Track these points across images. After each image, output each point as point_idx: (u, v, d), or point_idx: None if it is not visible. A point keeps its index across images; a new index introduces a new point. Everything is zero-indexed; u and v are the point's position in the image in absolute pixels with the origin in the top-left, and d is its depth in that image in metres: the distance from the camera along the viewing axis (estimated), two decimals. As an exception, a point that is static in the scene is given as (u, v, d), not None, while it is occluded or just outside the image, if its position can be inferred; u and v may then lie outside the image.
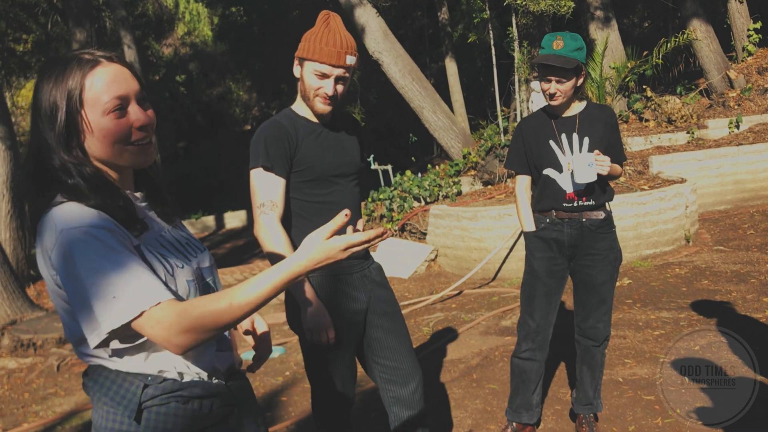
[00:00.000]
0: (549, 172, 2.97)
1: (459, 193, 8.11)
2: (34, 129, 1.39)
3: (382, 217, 8.46)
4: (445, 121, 9.10)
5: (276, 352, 5.13)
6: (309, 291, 2.27)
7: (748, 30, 10.78)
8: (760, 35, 10.71)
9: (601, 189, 2.95)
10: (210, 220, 15.48)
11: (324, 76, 2.29)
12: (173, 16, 23.27)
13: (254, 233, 2.30)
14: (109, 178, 1.41)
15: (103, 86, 1.35)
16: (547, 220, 3.00)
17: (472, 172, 8.42)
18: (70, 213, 1.31)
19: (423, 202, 8.10)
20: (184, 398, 1.38)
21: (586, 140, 2.92)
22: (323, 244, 1.31)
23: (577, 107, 2.98)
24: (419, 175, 8.78)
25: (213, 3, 21.77)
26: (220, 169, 20.34)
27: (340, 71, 2.30)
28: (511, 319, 5.30)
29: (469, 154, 8.61)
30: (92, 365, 1.40)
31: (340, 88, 2.34)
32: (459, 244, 6.91)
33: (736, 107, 9.53)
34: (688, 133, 8.97)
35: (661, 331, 4.54)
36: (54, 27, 15.63)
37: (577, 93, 2.93)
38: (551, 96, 2.86)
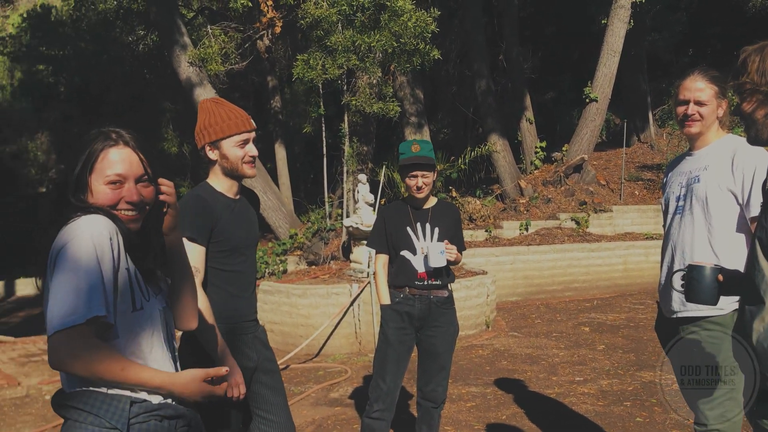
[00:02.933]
0: (405, 253, 3.49)
1: (285, 272, 8.44)
2: (68, 165, 1.68)
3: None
4: (275, 201, 9.49)
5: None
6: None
7: (536, 147, 12.59)
8: (544, 152, 12.55)
9: (446, 272, 3.52)
10: (-1, 286, 14.13)
11: (245, 142, 2.64)
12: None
13: None
14: None
15: (110, 163, 1.68)
16: (401, 295, 3.49)
17: (298, 252, 8.83)
18: None
19: (249, 279, 8.30)
20: (160, 417, 1.66)
21: (437, 230, 3.51)
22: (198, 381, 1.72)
23: (430, 202, 3.57)
24: (245, 252, 8.98)
25: (19, 58, 20.58)
26: (9, 230, 18.70)
27: (253, 134, 2.68)
28: (338, 392, 5.67)
29: (296, 234, 9.03)
30: (75, 391, 1.61)
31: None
32: (286, 320, 7.21)
33: (525, 212, 11.00)
34: (486, 231, 10.18)
35: (473, 403, 5.17)
36: None
37: (434, 186, 3.53)
38: (418, 188, 3.42)
